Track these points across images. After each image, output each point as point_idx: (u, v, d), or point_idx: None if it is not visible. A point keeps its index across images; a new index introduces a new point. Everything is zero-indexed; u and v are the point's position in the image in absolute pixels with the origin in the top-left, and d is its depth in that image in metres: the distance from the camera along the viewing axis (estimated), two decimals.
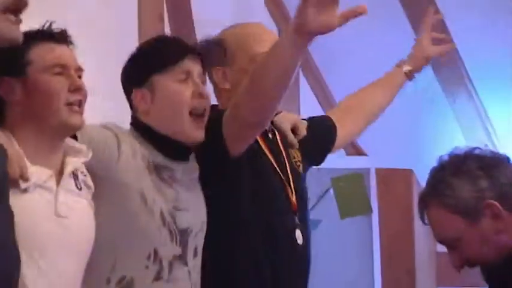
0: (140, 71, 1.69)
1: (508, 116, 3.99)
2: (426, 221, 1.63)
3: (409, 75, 2.09)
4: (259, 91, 1.61)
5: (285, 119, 1.90)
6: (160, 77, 1.65)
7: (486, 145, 1.90)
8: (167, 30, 3.45)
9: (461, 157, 1.55)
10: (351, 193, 3.14)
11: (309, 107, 4.37)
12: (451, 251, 1.59)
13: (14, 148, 1.44)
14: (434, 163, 2.88)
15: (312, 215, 3.77)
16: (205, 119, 1.69)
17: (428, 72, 4.26)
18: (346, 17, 1.43)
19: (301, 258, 1.80)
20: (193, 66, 1.66)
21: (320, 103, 4.31)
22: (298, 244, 1.78)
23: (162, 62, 1.66)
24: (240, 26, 1.93)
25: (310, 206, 3.47)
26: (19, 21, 1.26)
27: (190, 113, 1.60)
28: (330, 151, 2.00)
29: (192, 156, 1.76)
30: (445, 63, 3.81)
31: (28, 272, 1.40)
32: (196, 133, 1.62)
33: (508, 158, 1.65)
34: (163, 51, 1.74)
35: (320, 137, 1.91)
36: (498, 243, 1.47)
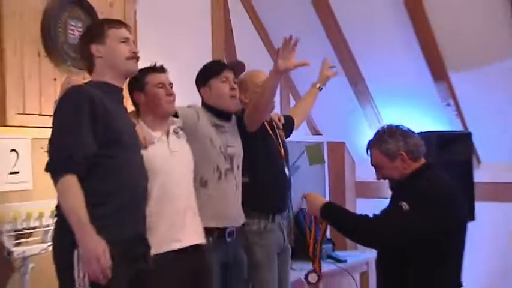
0: (204, 77, 2.66)
1: (394, 118, 3.91)
2: (368, 154, 2.40)
3: (320, 88, 3.08)
4: (259, 105, 2.58)
5: (274, 114, 2.94)
6: (213, 80, 2.61)
7: None
8: None
9: (393, 128, 2.34)
10: (315, 153, 4.08)
11: None
12: (377, 171, 2.38)
13: (144, 128, 2.31)
14: (355, 140, 3.69)
15: (297, 163, 3.95)
16: (237, 98, 2.62)
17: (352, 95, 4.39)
18: (297, 65, 2.39)
19: (287, 182, 2.82)
20: (229, 75, 2.63)
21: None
22: (286, 175, 2.81)
23: (214, 72, 2.63)
24: (251, 71, 2.91)
25: (294, 159, 3.82)
26: (137, 62, 2.12)
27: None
28: (292, 132, 3.07)
29: (233, 119, 2.70)
30: (358, 88, 4.36)
31: (159, 189, 2.26)
32: (232, 106, 2.62)
33: (414, 132, 2.38)
34: (214, 67, 2.70)
35: (288, 125, 3.01)
36: (402, 172, 2.28)
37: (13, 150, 2.65)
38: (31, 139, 2.73)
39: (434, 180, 2.31)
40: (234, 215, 2.65)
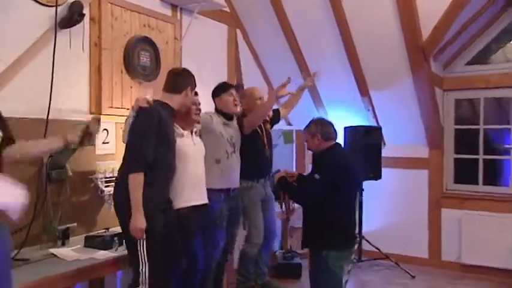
0: (217, 91, 3.06)
1: (336, 117, 4.54)
2: (305, 133, 2.76)
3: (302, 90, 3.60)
4: (258, 116, 3.06)
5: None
6: (223, 94, 3.07)
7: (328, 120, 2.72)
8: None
9: (317, 119, 2.79)
10: (287, 136, 4.73)
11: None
12: (307, 143, 2.84)
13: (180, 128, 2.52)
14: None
15: (274, 142, 3.61)
16: (240, 106, 3.05)
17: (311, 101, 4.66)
18: (286, 94, 3.10)
19: (267, 162, 3.30)
20: (233, 91, 3.04)
21: None
22: (267, 159, 3.32)
23: (224, 88, 3.05)
24: (249, 87, 3.38)
25: (274, 140, 3.60)
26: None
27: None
28: (278, 122, 3.58)
29: (234, 120, 3.04)
30: (315, 97, 4.80)
31: (185, 167, 2.63)
32: (235, 111, 3.04)
33: (331, 123, 2.78)
34: (224, 85, 3.09)
35: (275, 118, 3.50)
36: (317, 147, 2.74)
37: (105, 129, 2.99)
38: (115, 122, 3.05)
39: (336, 155, 2.67)
40: (235, 180, 3.05)
